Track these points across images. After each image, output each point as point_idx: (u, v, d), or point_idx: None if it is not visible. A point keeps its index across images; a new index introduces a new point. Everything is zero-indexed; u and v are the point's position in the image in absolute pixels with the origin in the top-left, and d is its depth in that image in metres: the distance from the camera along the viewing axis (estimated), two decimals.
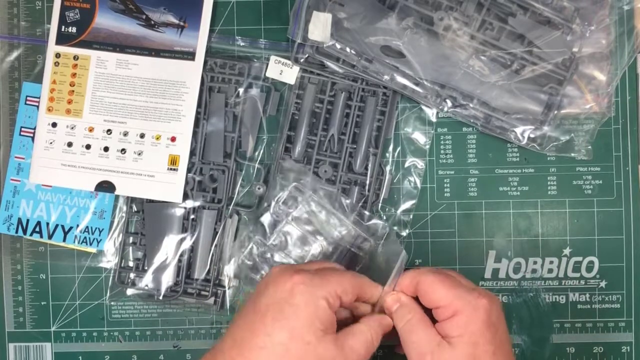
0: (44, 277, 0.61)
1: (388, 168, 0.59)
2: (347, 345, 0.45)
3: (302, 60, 0.58)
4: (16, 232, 0.60)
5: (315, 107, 0.59)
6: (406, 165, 0.60)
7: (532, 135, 0.58)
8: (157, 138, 0.58)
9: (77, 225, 0.60)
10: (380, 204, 0.59)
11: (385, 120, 0.58)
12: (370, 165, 0.58)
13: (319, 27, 0.56)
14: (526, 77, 0.57)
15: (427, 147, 0.59)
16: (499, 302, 0.47)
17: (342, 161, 0.58)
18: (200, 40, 0.59)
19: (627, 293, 0.60)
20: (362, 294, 0.48)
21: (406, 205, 0.59)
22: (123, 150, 0.59)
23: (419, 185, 0.59)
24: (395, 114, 0.59)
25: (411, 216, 0.59)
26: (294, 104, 0.59)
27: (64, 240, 0.60)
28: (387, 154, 0.59)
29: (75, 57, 0.59)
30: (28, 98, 0.60)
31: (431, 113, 0.60)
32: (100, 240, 0.60)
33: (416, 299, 0.48)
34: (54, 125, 0.59)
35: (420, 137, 0.60)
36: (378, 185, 0.59)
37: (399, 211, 0.59)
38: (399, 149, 0.59)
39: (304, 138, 0.58)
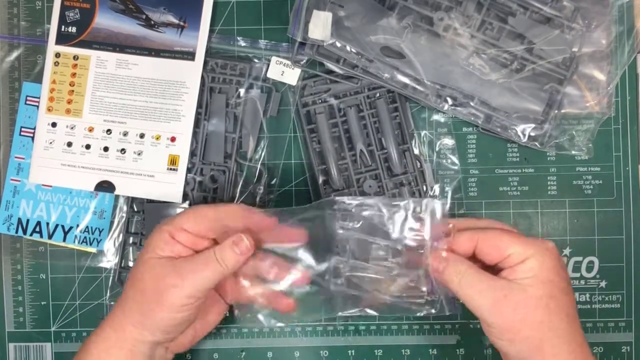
0: (44, 277, 0.61)
1: (423, 156, 0.59)
2: (185, 267, 0.48)
3: (302, 62, 0.58)
4: (16, 232, 0.60)
5: (332, 133, 0.59)
6: (437, 148, 0.60)
7: (532, 134, 0.58)
8: (157, 138, 0.58)
9: (77, 225, 0.60)
10: (432, 192, 0.59)
11: (401, 115, 0.58)
12: (407, 161, 0.59)
13: (319, 25, 0.56)
14: (527, 75, 0.57)
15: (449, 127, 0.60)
16: None
17: (380, 169, 0.58)
18: (200, 40, 0.59)
19: (627, 293, 0.60)
20: (229, 223, 0.50)
21: (454, 184, 0.59)
22: (123, 150, 0.59)
23: (456, 161, 0.59)
24: (407, 106, 0.59)
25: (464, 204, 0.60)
26: (312, 139, 0.59)
27: (64, 240, 0.60)
28: (416, 147, 0.59)
29: (75, 57, 0.59)
30: (28, 98, 0.60)
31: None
32: (100, 240, 0.60)
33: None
34: (54, 125, 0.59)
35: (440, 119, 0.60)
36: (422, 179, 0.59)
37: (448, 197, 0.59)
38: (423, 133, 0.60)
39: (336, 166, 0.58)
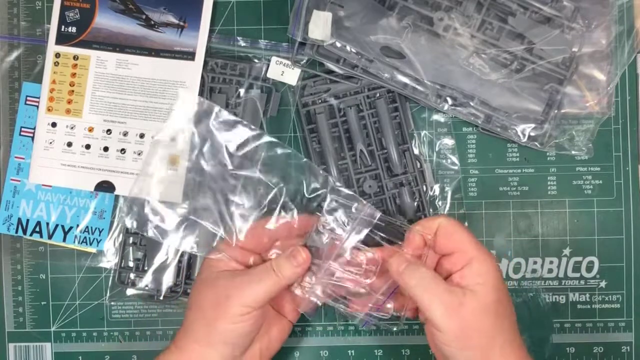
0: (44, 277, 0.61)
1: (423, 156, 0.59)
2: (242, 278, 0.50)
3: (302, 62, 0.58)
4: (16, 232, 0.60)
5: (332, 133, 0.59)
6: (437, 148, 0.60)
7: (532, 134, 0.58)
8: None
9: (77, 225, 0.60)
10: (432, 192, 0.59)
11: (401, 115, 0.58)
12: (407, 161, 0.59)
13: (320, 25, 0.56)
14: (527, 75, 0.57)
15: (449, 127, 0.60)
16: None
17: (380, 170, 0.58)
18: (200, 40, 0.59)
19: (627, 293, 0.60)
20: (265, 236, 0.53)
21: (454, 184, 0.59)
22: (123, 150, 0.59)
23: (456, 161, 0.59)
24: (407, 106, 0.59)
25: (464, 206, 0.60)
26: (312, 139, 0.59)
27: (64, 240, 0.60)
28: (416, 146, 0.59)
29: (75, 57, 0.59)
30: (28, 98, 0.60)
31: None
32: (100, 240, 0.60)
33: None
34: (54, 125, 0.59)
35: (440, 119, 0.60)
36: (422, 179, 0.59)
37: (448, 197, 0.59)
38: (423, 133, 0.59)
39: (335, 166, 0.58)
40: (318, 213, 0.53)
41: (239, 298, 0.48)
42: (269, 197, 0.55)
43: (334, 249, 0.52)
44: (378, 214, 0.52)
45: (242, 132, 0.56)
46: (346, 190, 0.54)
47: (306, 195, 0.55)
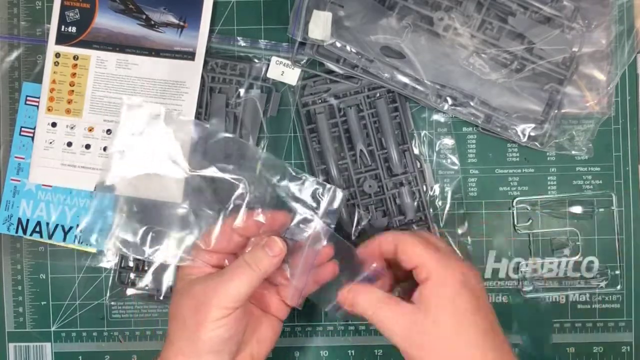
0: (44, 277, 0.61)
1: (423, 156, 0.59)
2: (215, 279, 0.48)
3: (302, 62, 0.58)
4: (16, 232, 0.60)
5: (332, 133, 0.59)
6: (437, 148, 0.60)
7: (532, 134, 0.58)
8: None
9: (77, 225, 0.60)
10: (432, 191, 0.59)
11: (401, 115, 0.58)
12: (407, 161, 0.59)
13: (320, 25, 0.56)
14: (527, 75, 0.57)
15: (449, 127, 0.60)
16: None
17: (380, 169, 0.58)
18: (200, 40, 0.59)
19: (627, 293, 0.60)
20: (243, 232, 0.51)
21: (454, 184, 0.59)
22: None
23: (456, 161, 0.59)
24: (407, 106, 0.59)
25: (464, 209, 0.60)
26: (312, 139, 0.59)
27: (64, 240, 0.60)
28: (416, 146, 0.59)
29: (75, 57, 0.59)
30: (28, 98, 0.60)
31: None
32: None
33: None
34: (54, 125, 0.59)
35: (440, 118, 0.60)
36: (422, 178, 0.59)
37: (448, 197, 0.59)
38: (423, 133, 0.59)
39: (335, 166, 0.58)
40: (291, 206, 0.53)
41: (216, 300, 0.46)
42: (235, 194, 0.54)
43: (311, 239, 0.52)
44: (340, 194, 0.53)
45: (196, 131, 0.56)
46: (309, 177, 0.54)
47: (271, 188, 0.54)
